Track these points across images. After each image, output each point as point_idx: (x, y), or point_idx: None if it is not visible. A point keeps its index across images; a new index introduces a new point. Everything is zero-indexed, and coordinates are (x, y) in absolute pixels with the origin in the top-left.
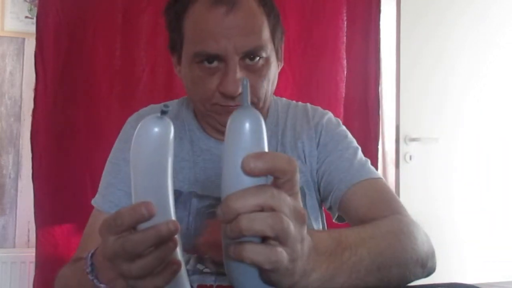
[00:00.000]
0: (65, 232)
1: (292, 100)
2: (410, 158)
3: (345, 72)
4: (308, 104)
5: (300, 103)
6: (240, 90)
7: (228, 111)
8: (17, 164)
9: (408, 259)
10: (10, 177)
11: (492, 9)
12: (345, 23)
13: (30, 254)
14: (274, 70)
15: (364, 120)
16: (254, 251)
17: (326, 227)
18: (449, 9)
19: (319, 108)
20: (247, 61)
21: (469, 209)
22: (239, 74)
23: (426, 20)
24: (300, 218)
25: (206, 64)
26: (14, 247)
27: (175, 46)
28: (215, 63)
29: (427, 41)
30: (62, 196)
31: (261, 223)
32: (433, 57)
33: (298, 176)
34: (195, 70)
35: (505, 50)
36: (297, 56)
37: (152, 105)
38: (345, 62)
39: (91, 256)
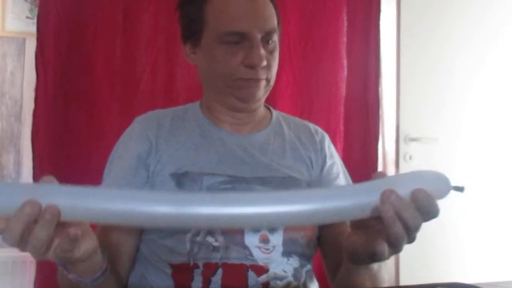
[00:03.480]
0: None
1: (293, 99)
2: (410, 158)
3: (345, 72)
4: (305, 121)
5: (297, 118)
6: (264, 63)
7: (250, 85)
8: (18, 164)
9: None
10: (11, 177)
11: (492, 9)
12: (345, 23)
13: None
14: (278, 56)
15: (364, 120)
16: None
17: None
18: (449, 9)
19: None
20: (264, 43)
21: (469, 209)
22: (262, 50)
23: (426, 20)
24: None
25: (231, 44)
26: None
27: (192, 34)
28: (239, 43)
29: (427, 41)
30: None
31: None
32: (433, 57)
33: None
34: (217, 50)
35: (506, 49)
36: (297, 56)
37: (159, 110)
38: (345, 62)
39: None
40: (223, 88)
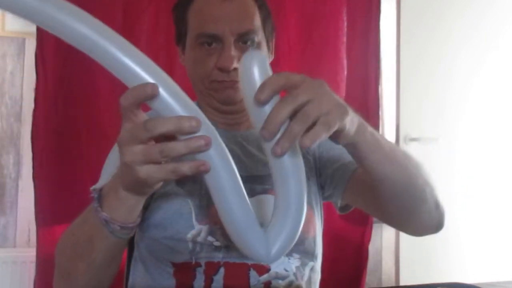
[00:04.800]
0: None
1: None
2: None
3: (345, 72)
4: None
5: None
6: (234, 65)
7: (224, 87)
8: (18, 164)
9: (428, 184)
10: (10, 177)
11: (492, 9)
12: (345, 23)
13: (31, 253)
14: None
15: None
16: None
17: (323, 217)
18: (449, 9)
19: None
20: (241, 43)
21: (469, 209)
22: (233, 52)
23: (426, 20)
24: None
25: (206, 46)
26: (14, 246)
27: (181, 37)
28: (213, 45)
29: (427, 41)
30: (63, 195)
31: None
32: (433, 57)
33: (308, 81)
34: (196, 51)
35: (505, 49)
36: (297, 56)
37: None
38: (345, 62)
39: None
40: (203, 90)
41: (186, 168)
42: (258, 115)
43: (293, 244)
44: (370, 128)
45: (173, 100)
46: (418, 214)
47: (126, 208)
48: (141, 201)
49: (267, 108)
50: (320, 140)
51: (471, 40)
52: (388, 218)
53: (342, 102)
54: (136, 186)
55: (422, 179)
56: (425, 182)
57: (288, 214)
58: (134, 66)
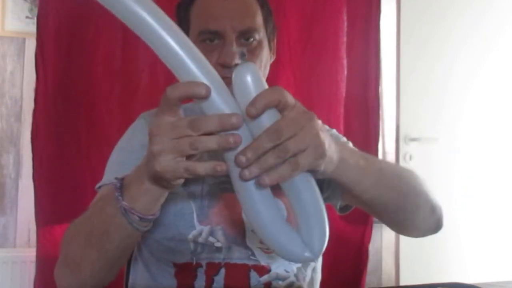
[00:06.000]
0: None
1: None
2: (410, 158)
3: (345, 72)
4: None
5: None
6: (236, 61)
7: (226, 83)
8: (18, 164)
9: (421, 194)
10: (10, 177)
11: (491, 9)
12: (345, 23)
13: (31, 253)
14: (266, 54)
15: (364, 120)
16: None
17: None
18: (449, 9)
19: None
20: (243, 40)
21: (469, 209)
22: (235, 47)
23: (426, 20)
24: (306, 112)
25: (208, 42)
26: (14, 246)
27: None
28: (215, 41)
29: (427, 41)
30: (63, 195)
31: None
32: (433, 57)
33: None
34: (198, 48)
35: (505, 49)
36: (297, 56)
37: None
38: (345, 61)
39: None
40: None
41: (201, 168)
42: (251, 126)
43: (328, 234)
44: (353, 159)
45: (221, 103)
46: (412, 222)
47: (148, 200)
48: (164, 194)
49: (263, 119)
50: (281, 180)
51: (471, 40)
52: (384, 223)
53: (323, 142)
54: (156, 178)
55: (414, 191)
56: (417, 193)
57: (310, 216)
58: (190, 62)
